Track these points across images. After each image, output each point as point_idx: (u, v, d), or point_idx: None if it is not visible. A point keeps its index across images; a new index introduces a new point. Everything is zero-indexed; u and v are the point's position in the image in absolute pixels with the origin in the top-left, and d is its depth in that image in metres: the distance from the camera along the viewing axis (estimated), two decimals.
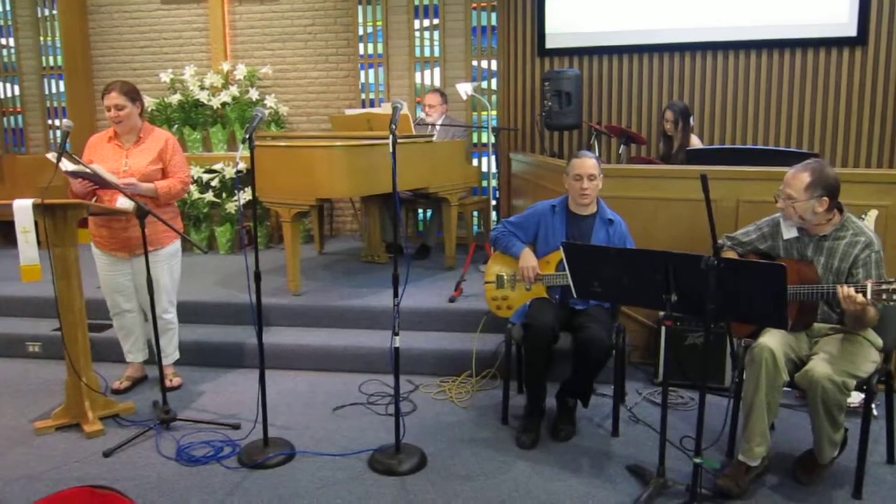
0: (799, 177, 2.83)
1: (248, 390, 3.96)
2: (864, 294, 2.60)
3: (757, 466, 2.86)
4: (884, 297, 2.57)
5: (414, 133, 5.32)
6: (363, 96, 6.94)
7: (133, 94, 3.70)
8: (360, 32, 6.85)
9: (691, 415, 3.55)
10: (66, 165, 3.40)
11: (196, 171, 6.28)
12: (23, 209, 3.14)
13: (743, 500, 2.80)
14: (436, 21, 6.70)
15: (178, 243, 3.91)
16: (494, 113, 6.58)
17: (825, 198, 2.81)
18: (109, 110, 3.65)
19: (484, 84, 6.67)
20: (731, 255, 3.13)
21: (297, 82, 7.09)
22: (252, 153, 3.17)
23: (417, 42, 6.77)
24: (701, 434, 2.60)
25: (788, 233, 2.97)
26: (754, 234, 3.11)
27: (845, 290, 2.62)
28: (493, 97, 6.66)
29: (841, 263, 2.86)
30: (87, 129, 7.05)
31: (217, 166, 6.43)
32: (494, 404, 3.73)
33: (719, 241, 3.18)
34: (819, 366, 2.69)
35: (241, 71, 6.76)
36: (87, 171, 3.42)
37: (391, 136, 2.94)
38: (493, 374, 4.07)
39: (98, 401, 3.57)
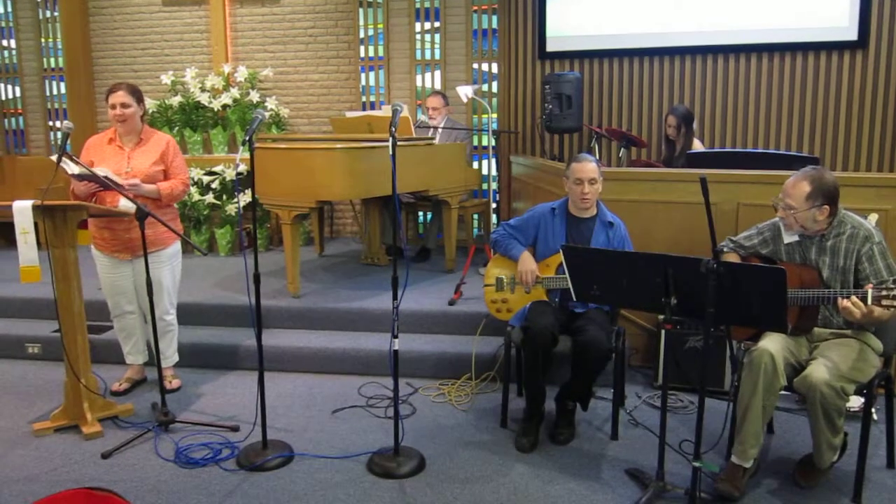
0: (798, 186, 2.81)
1: (247, 392, 3.96)
2: (865, 300, 2.59)
3: (750, 467, 2.87)
4: (884, 303, 2.56)
5: (414, 135, 5.33)
6: (364, 99, 6.94)
7: (138, 96, 3.73)
8: (361, 35, 6.86)
9: (691, 418, 3.54)
10: (72, 168, 3.40)
11: (196, 173, 6.29)
12: (22, 210, 3.15)
13: None
14: (436, 24, 6.71)
15: (178, 244, 3.92)
16: (495, 116, 6.58)
17: (826, 206, 2.80)
18: (115, 108, 3.66)
19: (484, 87, 6.68)
20: (733, 257, 3.12)
21: (298, 84, 7.09)
22: (252, 155, 3.17)
23: (418, 45, 6.77)
24: (700, 438, 2.59)
25: (789, 237, 2.96)
26: (756, 237, 3.10)
27: (846, 303, 2.62)
28: (494, 100, 6.66)
29: (846, 262, 2.84)
30: (88, 130, 7.05)
31: (217, 168, 6.43)
32: (494, 407, 3.73)
33: (721, 244, 3.18)
34: (817, 371, 2.68)
35: (241, 73, 6.77)
36: (93, 173, 3.42)
37: (391, 139, 2.94)
38: (492, 376, 4.07)
39: (97, 402, 3.57)
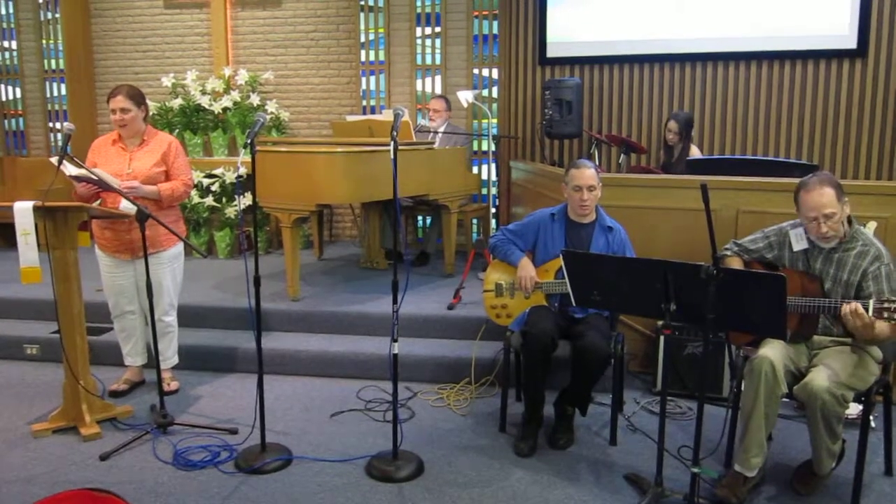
0: (826, 193, 2.77)
1: (245, 395, 3.96)
2: (866, 311, 2.59)
3: (754, 477, 2.86)
4: (885, 315, 2.57)
5: (415, 140, 5.34)
6: (364, 103, 6.95)
7: (138, 99, 3.73)
8: (362, 39, 6.87)
9: (689, 424, 3.55)
10: (70, 170, 3.41)
11: (196, 176, 6.28)
12: (23, 211, 3.15)
13: None
14: (437, 29, 6.72)
15: (180, 246, 3.92)
16: (495, 121, 6.59)
17: (847, 200, 2.82)
18: (115, 113, 3.67)
19: (485, 92, 6.69)
20: (737, 261, 3.12)
21: (299, 88, 7.10)
22: (253, 158, 3.18)
23: (419, 49, 6.79)
24: (699, 444, 2.60)
25: (798, 244, 2.95)
26: (761, 242, 3.10)
27: (850, 307, 2.62)
28: (494, 105, 6.67)
29: (850, 276, 2.84)
30: (89, 132, 7.07)
31: (218, 171, 6.43)
32: (493, 412, 3.73)
33: (725, 247, 3.18)
34: (818, 378, 2.68)
35: (242, 76, 6.77)
36: (90, 175, 3.43)
37: (392, 143, 2.95)
38: (491, 381, 4.07)
39: (95, 404, 3.56)
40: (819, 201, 2.78)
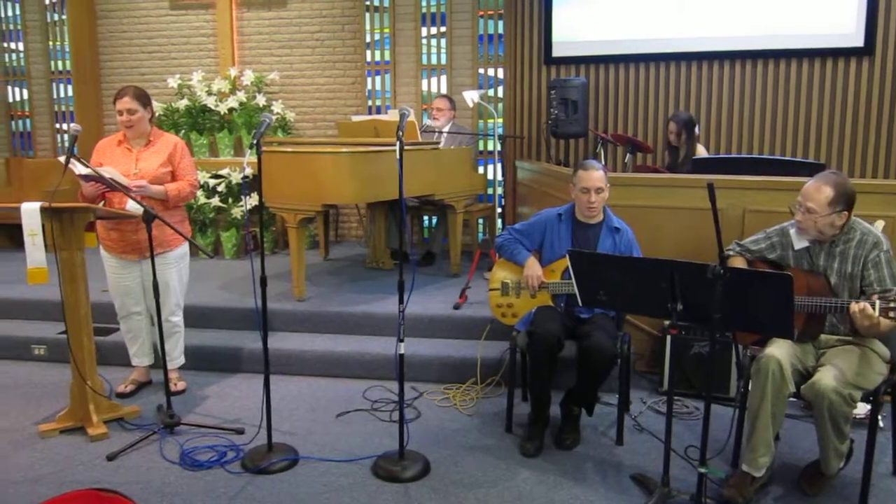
0: (822, 190, 2.78)
1: (252, 395, 3.96)
2: (872, 309, 2.60)
3: (761, 477, 2.85)
4: (891, 315, 2.57)
5: (420, 140, 5.33)
6: (370, 103, 6.96)
7: (144, 100, 3.74)
8: (368, 39, 6.88)
9: (696, 424, 3.54)
10: (79, 169, 3.42)
11: (203, 177, 6.29)
12: (30, 212, 3.16)
13: None
14: (443, 29, 6.72)
15: (186, 246, 3.93)
16: (500, 121, 6.58)
17: (845, 212, 2.80)
18: (122, 114, 3.69)
19: (490, 92, 6.68)
20: (740, 260, 3.12)
21: (305, 88, 7.11)
22: (259, 159, 3.18)
23: (424, 49, 6.79)
24: (706, 444, 2.59)
25: (799, 243, 2.95)
26: (763, 242, 3.09)
27: (858, 306, 2.62)
28: (500, 105, 6.67)
29: (854, 268, 2.84)
30: (95, 133, 7.09)
31: (224, 171, 6.44)
32: (499, 412, 3.72)
33: (728, 247, 3.18)
34: (825, 378, 2.67)
35: (248, 77, 6.77)
36: (100, 174, 3.43)
37: (398, 143, 2.95)
38: (497, 381, 4.07)
39: (103, 404, 3.58)
40: (808, 193, 2.82)
